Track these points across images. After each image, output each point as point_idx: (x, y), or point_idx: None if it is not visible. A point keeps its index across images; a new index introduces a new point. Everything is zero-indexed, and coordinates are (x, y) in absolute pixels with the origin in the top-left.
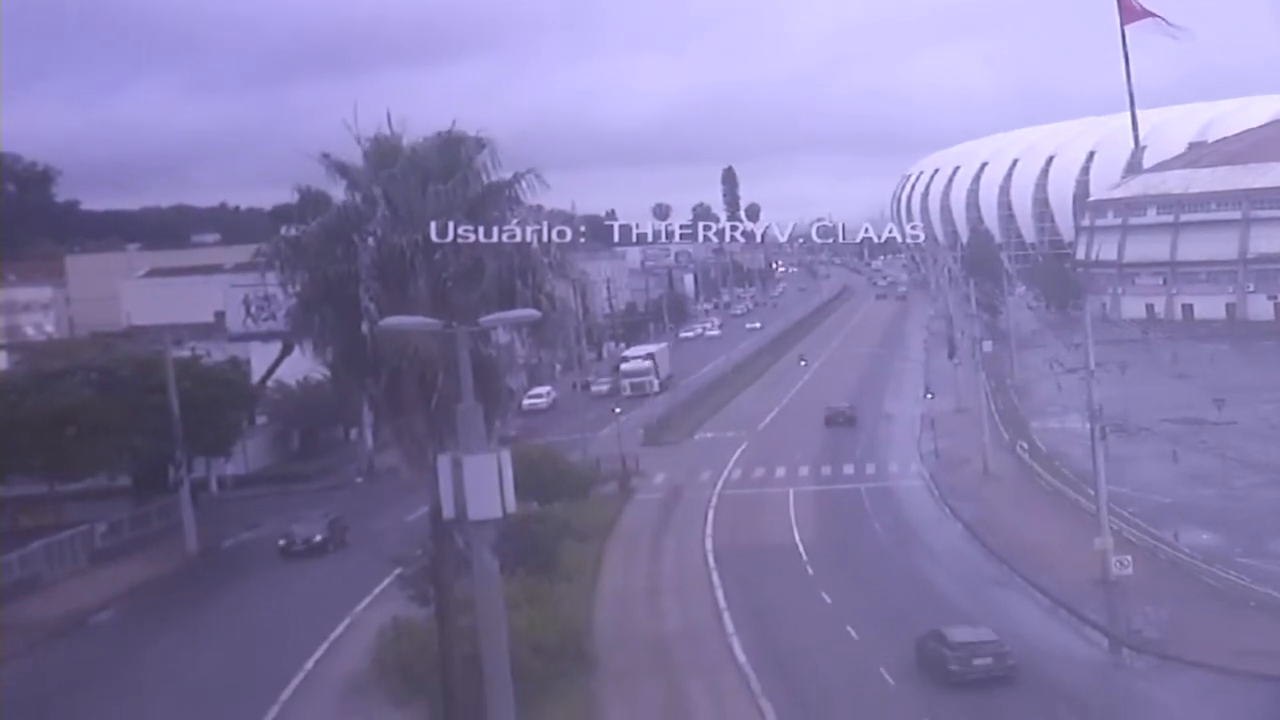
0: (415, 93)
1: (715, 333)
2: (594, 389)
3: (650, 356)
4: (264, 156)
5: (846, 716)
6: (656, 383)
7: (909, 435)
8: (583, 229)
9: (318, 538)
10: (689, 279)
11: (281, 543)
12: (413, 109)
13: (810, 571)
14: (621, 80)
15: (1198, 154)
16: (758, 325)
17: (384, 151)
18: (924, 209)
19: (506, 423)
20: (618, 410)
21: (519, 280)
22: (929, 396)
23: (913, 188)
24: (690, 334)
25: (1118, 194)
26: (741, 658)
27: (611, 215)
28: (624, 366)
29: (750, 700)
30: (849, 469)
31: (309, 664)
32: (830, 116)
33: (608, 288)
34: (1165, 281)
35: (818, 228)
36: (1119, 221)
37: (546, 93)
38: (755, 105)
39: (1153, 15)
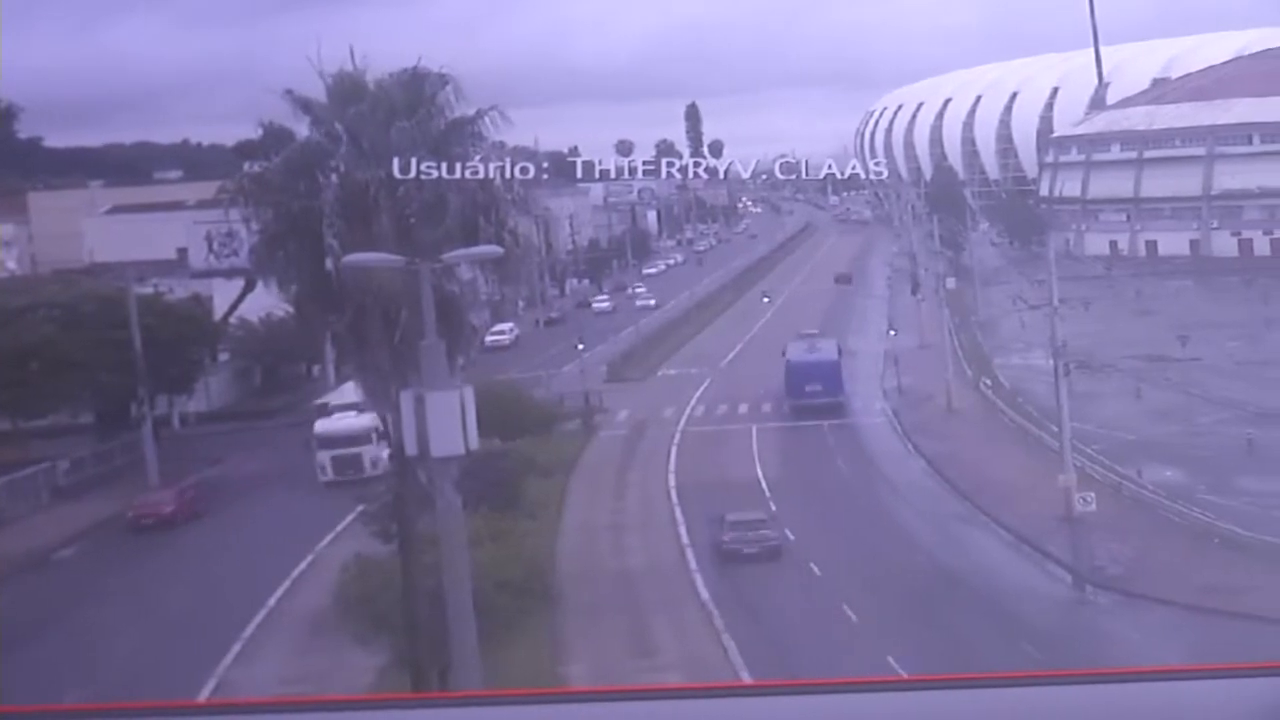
0: (391, 28)
1: (651, 295)
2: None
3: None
4: (231, 93)
5: (808, 653)
6: (385, 453)
7: (872, 372)
8: (545, 165)
9: None
10: (652, 215)
11: None
12: (387, 45)
13: (773, 508)
14: (591, 15)
15: (1161, 90)
16: (651, 303)
17: (347, 87)
18: (887, 145)
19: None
20: (580, 346)
21: (482, 217)
22: (892, 333)
23: (876, 124)
24: (653, 270)
25: (1081, 130)
26: (704, 594)
27: (574, 151)
28: (320, 427)
29: (713, 636)
30: None
31: (272, 600)
32: (794, 53)
33: (570, 224)
34: (1129, 218)
35: (781, 164)
36: (1082, 158)
37: (517, 28)
38: (719, 41)
39: None
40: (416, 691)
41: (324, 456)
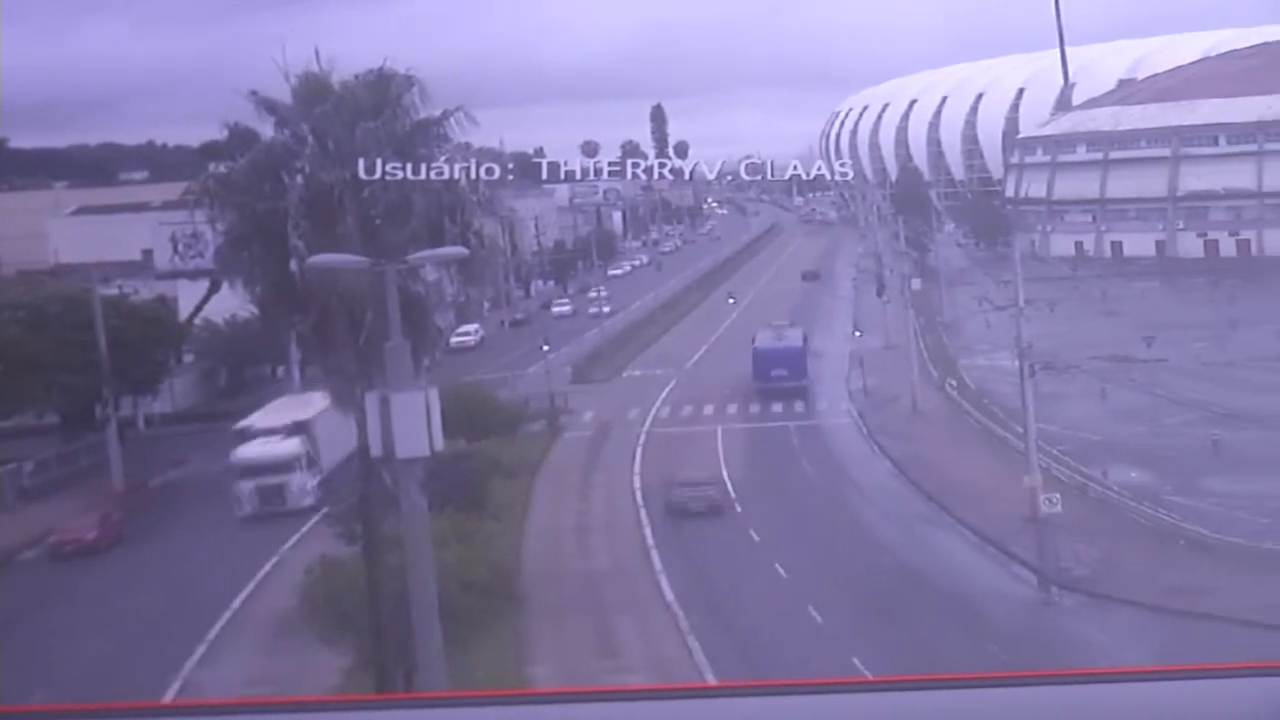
0: (357, 29)
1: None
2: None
3: (300, 429)
4: (196, 94)
5: (774, 654)
6: (313, 481)
7: (838, 373)
8: (511, 166)
9: None
10: (617, 216)
11: None
12: (353, 46)
13: (738, 509)
14: (557, 17)
15: (1127, 91)
16: (606, 310)
17: (313, 89)
18: (853, 146)
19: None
20: (546, 347)
21: (447, 218)
22: (858, 334)
23: (841, 125)
24: (618, 271)
25: (1047, 131)
26: (669, 595)
27: (540, 152)
28: (241, 453)
29: (678, 638)
30: (777, 407)
31: (236, 602)
32: (759, 54)
33: (536, 225)
34: (1094, 219)
35: (746, 165)
36: (1048, 159)
37: (483, 29)
38: (685, 42)
39: None
40: (381, 693)
41: (245, 486)
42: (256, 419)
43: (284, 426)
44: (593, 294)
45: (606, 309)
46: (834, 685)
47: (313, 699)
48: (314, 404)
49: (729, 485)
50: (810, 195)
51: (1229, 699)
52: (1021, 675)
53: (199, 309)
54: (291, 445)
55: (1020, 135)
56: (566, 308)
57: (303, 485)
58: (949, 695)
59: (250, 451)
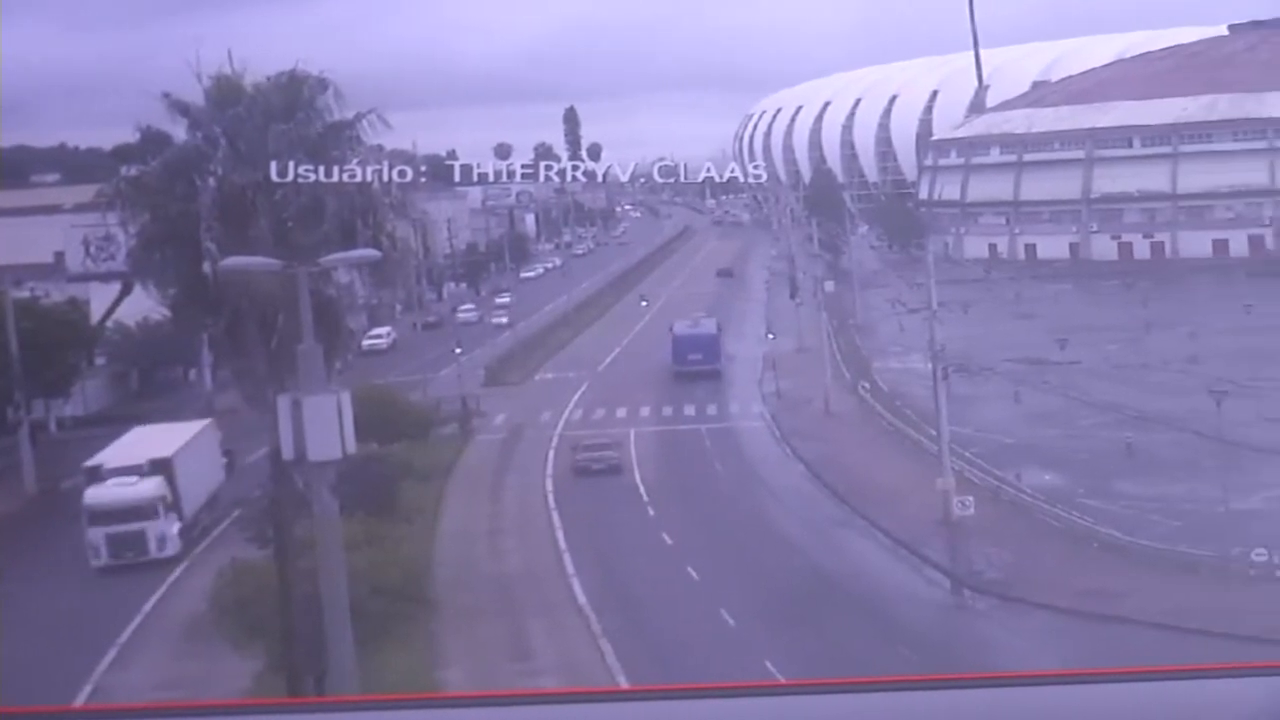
0: (271, 32)
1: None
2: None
3: (158, 468)
4: (109, 96)
5: (686, 657)
6: (175, 528)
7: (750, 376)
8: (424, 169)
9: None
10: (530, 219)
11: None
12: (268, 48)
13: (651, 513)
14: (470, 19)
15: (1041, 93)
16: (504, 320)
17: (226, 91)
18: (766, 148)
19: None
20: (458, 350)
21: (360, 220)
22: (771, 337)
23: (755, 127)
24: (531, 274)
25: (961, 133)
26: (582, 599)
27: (453, 155)
28: (91, 497)
29: (590, 641)
30: (690, 410)
31: (147, 606)
32: (672, 57)
33: (448, 228)
34: (1008, 221)
35: (659, 167)
36: (962, 161)
37: (396, 32)
38: (598, 45)
39: None
40: (292, 697)
41: (96, 534)
42: (108, 455)
43: (140, 465)
44: (498, 300)
45: (504, 319)
46: (868, 685)
47: (223, 702)
48: (174, 438)
49: (641, 489)
50: (723, 198)
51: (1229, 699)
52: (1019, 675)
53: (111, 311)
54: (149, 487)
55: (934, 137)
56: (472, 314)
57: (164, 534)
58: (946, 696)
59: (102, 495)
